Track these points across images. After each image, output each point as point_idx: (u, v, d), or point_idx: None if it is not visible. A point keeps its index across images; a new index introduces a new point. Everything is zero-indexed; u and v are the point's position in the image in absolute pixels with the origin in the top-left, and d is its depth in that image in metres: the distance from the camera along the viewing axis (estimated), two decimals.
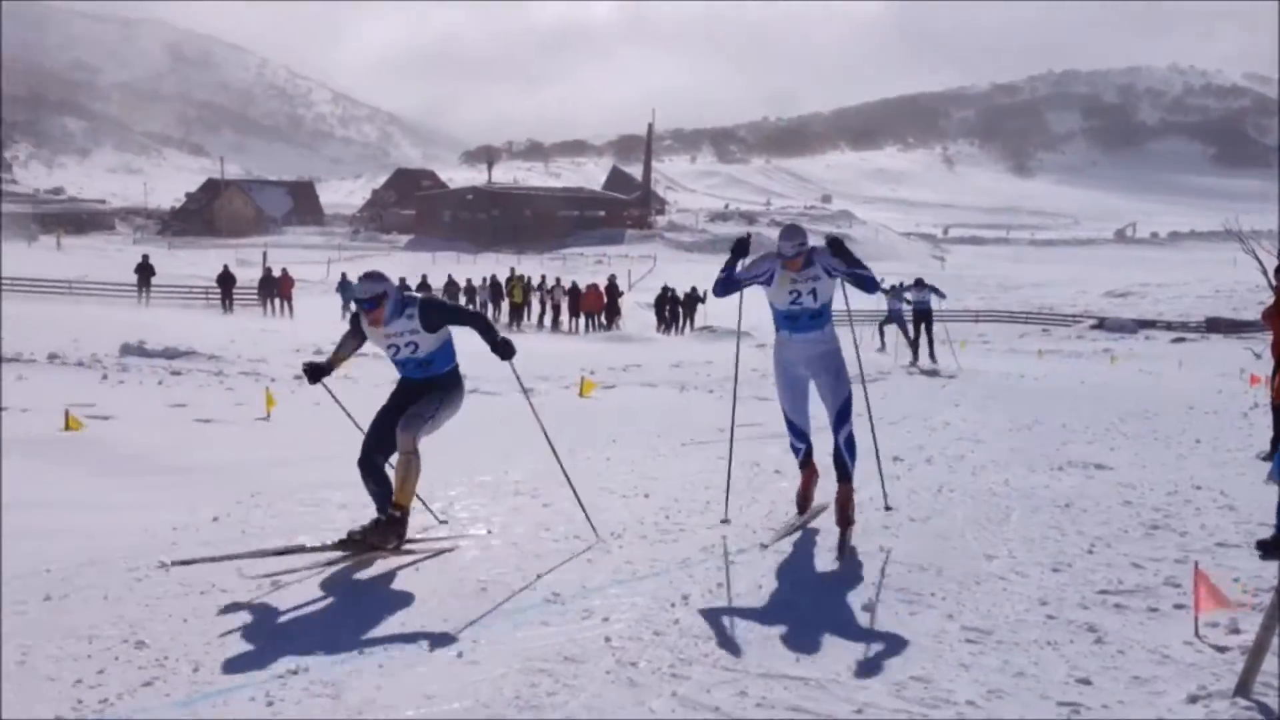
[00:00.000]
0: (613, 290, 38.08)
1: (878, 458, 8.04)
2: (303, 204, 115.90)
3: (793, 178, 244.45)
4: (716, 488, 8.41)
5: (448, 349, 6.97)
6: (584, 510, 7.35)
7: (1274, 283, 12.66)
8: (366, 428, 6.90)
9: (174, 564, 6.17)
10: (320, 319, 33.46)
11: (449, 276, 42.23)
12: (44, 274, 38.52)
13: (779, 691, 4.64)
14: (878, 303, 21.01)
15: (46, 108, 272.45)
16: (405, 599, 5.90)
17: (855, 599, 5.97)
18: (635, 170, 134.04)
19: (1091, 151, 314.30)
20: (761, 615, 5.66)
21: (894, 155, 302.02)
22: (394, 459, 6.69)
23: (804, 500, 7.76)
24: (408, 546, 6.84)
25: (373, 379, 15.21)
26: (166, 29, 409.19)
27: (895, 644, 5.24)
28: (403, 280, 29.98)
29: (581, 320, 37.51)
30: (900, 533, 7.46)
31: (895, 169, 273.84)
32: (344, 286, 37.04)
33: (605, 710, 4.46)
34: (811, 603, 5.90)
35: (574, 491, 7.40)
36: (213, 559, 6.28)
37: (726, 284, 7.54)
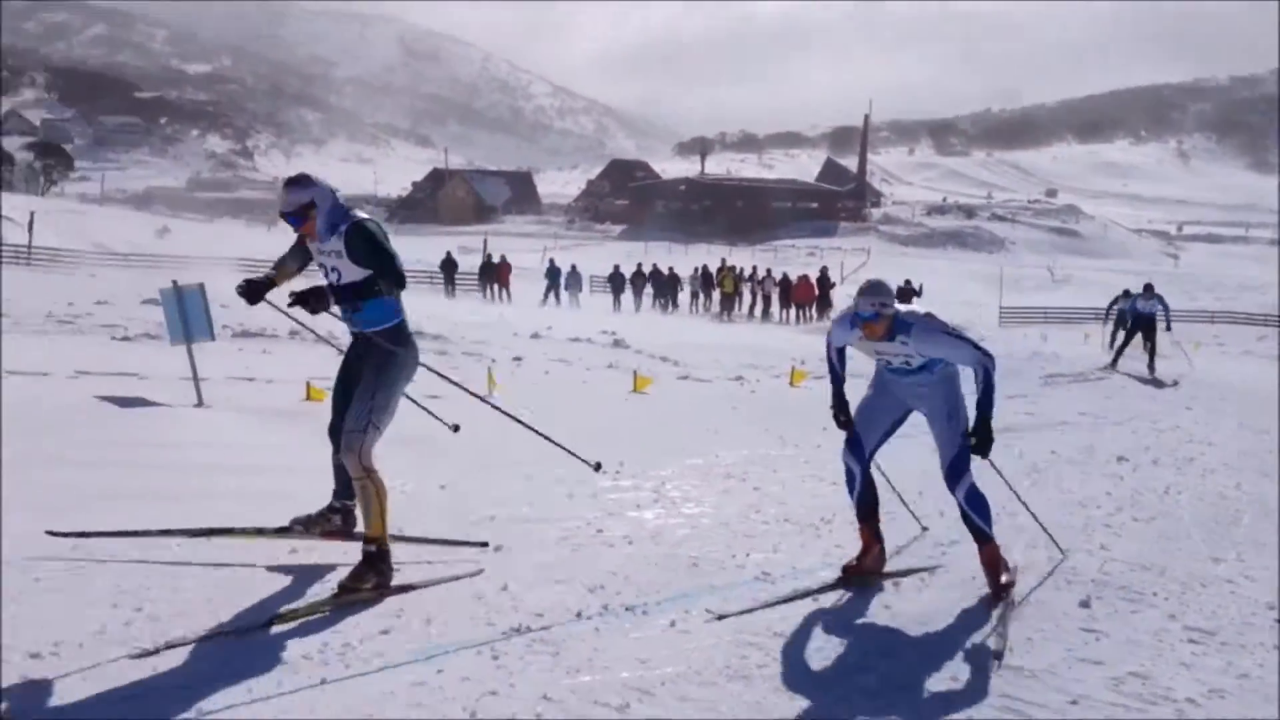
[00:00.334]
0: (824, 282, 37.76)
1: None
2: (521, 194, 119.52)
3: (1016, 170, 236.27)
4: (933, 476, 8.31)
5: (383, 301, 5.57)
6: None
7: None
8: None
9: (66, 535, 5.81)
10: (535, 304, 34.53)
11: (646, 266, 42.68)
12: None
13: (991, 679, 4.61)
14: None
15: (285, 100, 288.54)
16: (619, 568, 6.08)
17: (1072, 594, 5.85)
18: (849, 162, 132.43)
19: None
20: (973, 602, 5.61)
21: (1124, 149, 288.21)
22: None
23: (856, 566, 6.03)
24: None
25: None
26: (398, 25, 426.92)
27: (1114, 640, 5.13)
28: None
29: (792, 311, 37.37)
30: (1123, 532, 7.25)
31: (1126, 163, 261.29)
32: (551, 273, 38.03)
33: (814, 685, 4.54)
34: (1024, 592, 5.81)
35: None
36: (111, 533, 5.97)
37: (831, 366, 6.23)
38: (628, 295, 38.05)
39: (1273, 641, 5.12)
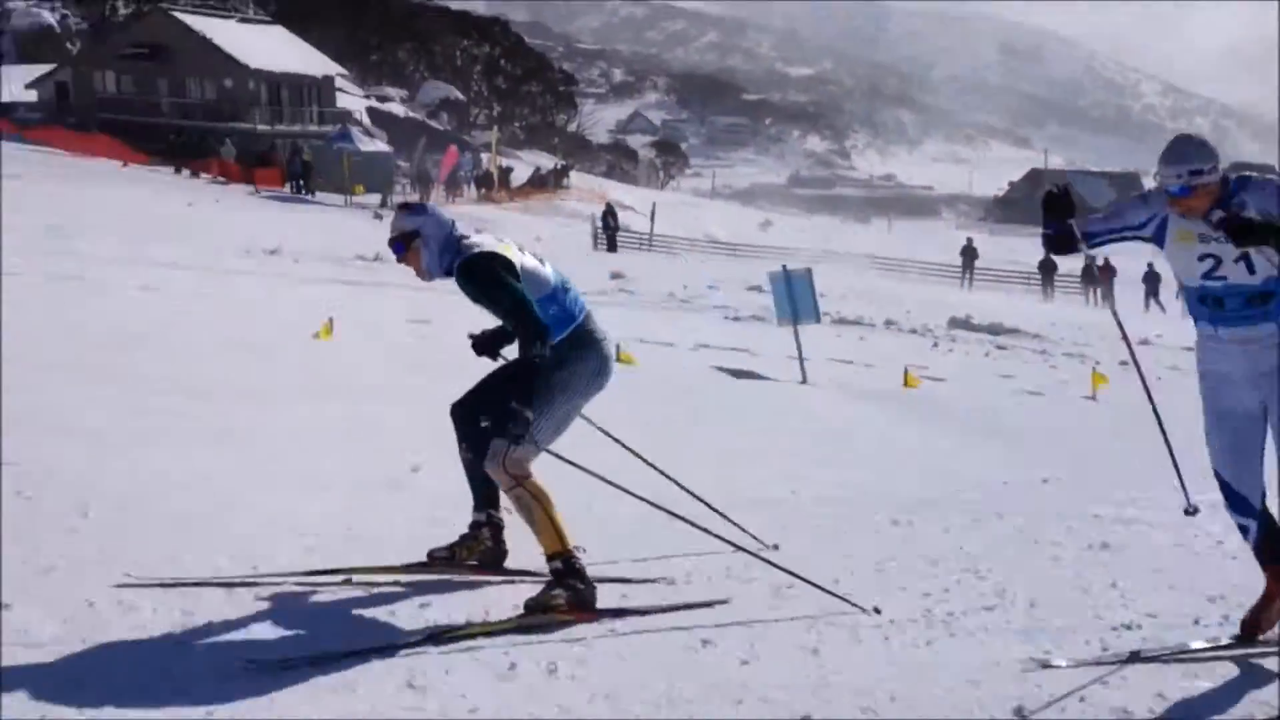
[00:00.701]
0: None
1: None
2: (1124, 197, 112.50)
3: None
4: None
5: (550, 309, 4.62)
6: None
7: None
8: None
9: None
10: (1136, 310, 32.23)
11: None
12: (875, 252, 42.10)
13: None
14: None
15: (882, 100, 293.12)
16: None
17: None
18: None
19: None
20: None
21: None
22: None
23: (1251, 625, 4.32)
24: None
25: None
26: (996, 24, 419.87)
27: None
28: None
29: None
30: None
31: None
32: (1149, 278, 35.58)
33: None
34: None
35: None
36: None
37: (1055, 241, 4.61)
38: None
39: None
